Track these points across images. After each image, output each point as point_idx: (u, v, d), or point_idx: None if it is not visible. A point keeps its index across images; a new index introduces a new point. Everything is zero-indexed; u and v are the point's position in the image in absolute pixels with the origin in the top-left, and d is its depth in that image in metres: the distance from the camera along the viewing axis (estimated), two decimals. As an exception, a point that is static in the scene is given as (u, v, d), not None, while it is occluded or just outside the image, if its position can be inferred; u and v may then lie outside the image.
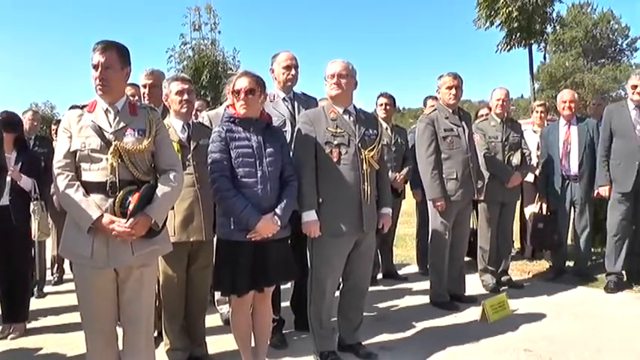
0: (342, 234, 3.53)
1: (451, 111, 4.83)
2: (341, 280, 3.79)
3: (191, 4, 24.20)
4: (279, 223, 3.18)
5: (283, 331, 4.09)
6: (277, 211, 3.20)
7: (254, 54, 64.68)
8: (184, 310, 3.63)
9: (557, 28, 25.62)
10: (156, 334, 3.54)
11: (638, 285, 5.25)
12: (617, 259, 5.22)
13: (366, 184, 3.55)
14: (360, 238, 3.63)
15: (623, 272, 5.31)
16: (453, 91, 4.77)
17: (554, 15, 21.58)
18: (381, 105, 5.81)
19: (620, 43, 51.16)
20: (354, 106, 3.73)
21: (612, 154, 5.24)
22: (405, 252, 7.35)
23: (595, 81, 42.65)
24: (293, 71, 4.11)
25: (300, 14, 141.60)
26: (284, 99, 4.12)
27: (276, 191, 3.27)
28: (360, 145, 3.57)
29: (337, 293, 3.82)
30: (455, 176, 4.72)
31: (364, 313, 3.94)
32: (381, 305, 5.06)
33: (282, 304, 4.14)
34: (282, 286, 3.80)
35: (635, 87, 5.17)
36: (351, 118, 3.64)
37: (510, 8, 19.77)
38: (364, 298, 3.89)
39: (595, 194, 5.39)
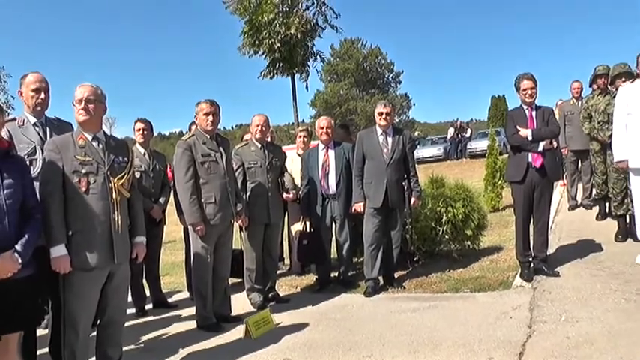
0: (94, 267, 3.40)
1: (209, 137, 4.92)
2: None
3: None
4: (19, 260, 2.95)
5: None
6: (17, 247, 2.97)
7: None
8: None
9: (327, 59, 27.55)
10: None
11: (392, 287, 5.81)
12: (373, 266, 5.73)
13: (116, 213, 3.47)
14: (113, 269, 3.52)
15: (380, 277, 5.84)
16: (210, 117, 4.87)
17: (315, 49, 23.11)
18: (139, 130, 5.72)
19: (386, 75, 57.23)
20: (104, 132, 3.64)
21: (365, 174, 5.77)
22: (177, 279, 7.26)
23: (367, 109, 46.77)
24: (43, 94, 3.87)
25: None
26: (35, 124, 3.86)
27: (16, 226, 3.02)
28: (109, 173, 3.48)
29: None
30: (213, 200, 4.80)
31: (132, 346, 3.82)
32: (150, 336, 4.95)
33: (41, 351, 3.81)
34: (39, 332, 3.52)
35: (381, 114, 5.78)
36: (100, 145, 3.54)
37: (272, 40, 20.88)
38: (122, 331, 3.77)
39: (352, 210, 5.88)
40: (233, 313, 5.21)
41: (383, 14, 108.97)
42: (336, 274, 6.32)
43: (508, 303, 4.90)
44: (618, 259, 5.82)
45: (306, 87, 23.55)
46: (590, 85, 7.75)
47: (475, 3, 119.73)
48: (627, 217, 6.61)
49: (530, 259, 5.66)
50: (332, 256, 6.32)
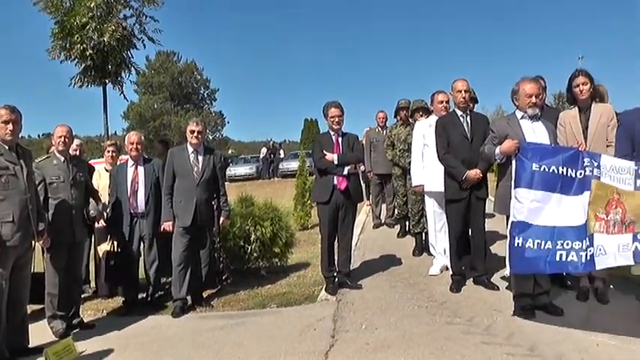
0: None
1: (7, 147, 4.46)
2: None
3: None
4: None
5: None
6: None
7: None
8: None
9: (142, 71, 26.66)
10: None
11: (200, 306, 5.83)
12: (181, 286, 5.72)
13: None
14: None
15: (188, 297, 5.83)
16: (10, 126, 4.41)
17: (132, 60, 22.28)
18: None
19: (202, 91, 56.92)
20: None
21: (175, 193, 5.76)
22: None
23: (181, 124, 46.07)
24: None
25: None
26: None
27: None
28: None
29: None
30: (11, 219, 4.35)
31: None
32: None
33: None
34: None
35: (192, 132, 5.79)
36: None
37: (85, 45, 19.78)
38: None
39: (161, 229, 5.80)
40: (32, 345, 4.74)
41: (199, 29, 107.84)
42: (144, 295, 6.16)
43: (313, 316, 5.22)
44: (415, 271, 6.56)
45: (125, 97, 22.54)
46: (395, 116, 8.60)
47: (294, 29, 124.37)
48: (423, 234, 7.42)
49: (335, 274, 6.08)
50: (140, 276, 6.15)
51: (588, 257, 4.32)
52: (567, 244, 4.38)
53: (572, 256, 4.36)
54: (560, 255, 4.37)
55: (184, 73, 55.19)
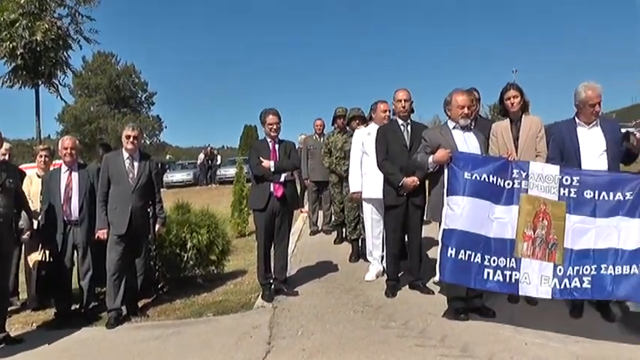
0: None
1: None
2: None
3: None
4: None
5: None
6: None
7: None
8: None
9: (78, 72, 25.87)
10: None
11: (135, 316, 5.73)
12: (116, 295, 5.59)
13: None
14: None
15: (123, 307, 5.71)
16: None
17: (70, 61, 21.57)
18: None
19: (140, 95, 55.64)
20: None
21: (110, 199, 5.63)
22: None
23: (118, 128, 44.90)
24: None
25: None
26: None
27: None
28: None
29: None
30: None
31: None
32: None
33: None
34: None
35: (128, 137, 5.69)
36: None
37: (15, 44, 18.99)
38: None
39: (96, 237, 5.64)
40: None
41: (136, 30, 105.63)
42: (78, 306, 5.96)
43: (249, 323, 5.23)
44: (351, 277, 6.67)
45: (61, 98, 21.73)
46: (332, 124, 8.70)
47: (234, 32, 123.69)
48: (360, 240, 7.54)
49: (272, 281, 6.11)
50: (73, 287, 5.97)
51: (513, 280, 4.52)
52: (494, 262, 4.56)
53: (499, 275, 4.54)
54: (488, 273, 4.55)
55: (122, 75, 53.80)
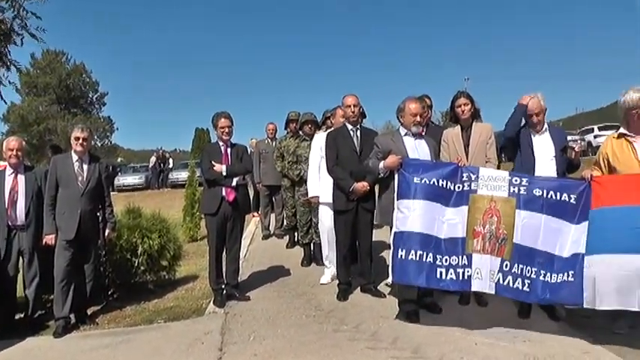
0: None
1: None
2: None
3: None
4: None
5: None
6: None
7: None
8: None
9: (25, 69, 25.02)
10: None
11: (84, 324, 5.60)
12: (64, 303, 5.44)
13: None
14: None
15: (71, 315, 5.57)
16: None
17: (12, 56, 20.78)
18: None
19: (91, 95, 54.22)
20: None
21: (58, 203, 5.49)
22: None
23: (67, 129, 43.59)
24: None
25: None
26: None
27: None
28: None
29: None
30: None
31: None
32: None
33: None
34: None
35: (77, 139, 5.54)
36: None
37: (-47, 37, 18.24)
38: None
39: (43, 242, 5.50)
40: None
41: (88, 29, 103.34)
42: (23, 315, 5.78)
43: (201, 329, 5.18)
44: (303, 281, 6.70)
45: (2, 98, 20.88)
46: (285, 128, 8.71)
47: (190, 31, 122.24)
48: (312, 245, 7.58)
49: (223, 286, 6.07)
50: (18, 294, 5.78)
51: (466, 277, 4.64)
52: (446, 261, 4.66)
53: (451, 273, 4.65)
54: (441, 272, 4.65)
55: (73, 74, 52.30)
